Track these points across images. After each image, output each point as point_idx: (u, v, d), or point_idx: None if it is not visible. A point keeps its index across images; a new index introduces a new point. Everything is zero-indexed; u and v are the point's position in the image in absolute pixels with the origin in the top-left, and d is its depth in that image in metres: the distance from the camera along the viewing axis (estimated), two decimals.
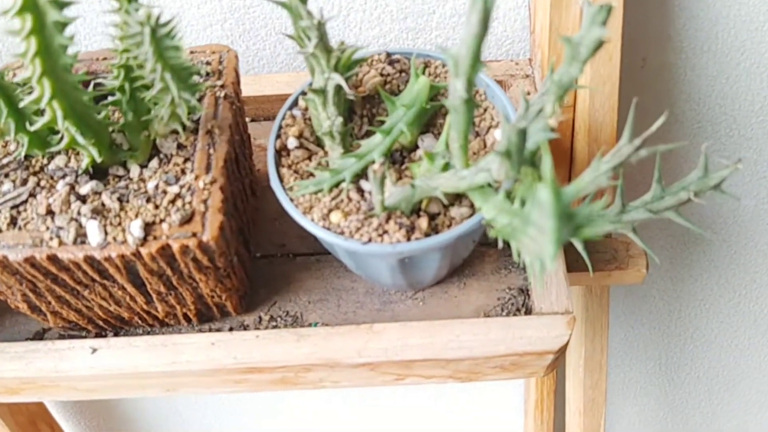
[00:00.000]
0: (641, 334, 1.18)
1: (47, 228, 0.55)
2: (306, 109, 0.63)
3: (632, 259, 0.74)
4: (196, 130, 0.60)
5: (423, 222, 0.55)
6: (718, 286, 1.09)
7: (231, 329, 0.69)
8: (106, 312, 0.64)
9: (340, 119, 0.56)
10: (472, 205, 0.57)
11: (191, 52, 0.65)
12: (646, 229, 1.00)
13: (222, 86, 0.62)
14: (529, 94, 0.77)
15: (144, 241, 0.54)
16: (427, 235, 0.55)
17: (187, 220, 0.55)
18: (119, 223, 0.55)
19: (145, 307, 0.63)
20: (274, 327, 0.68)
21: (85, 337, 0.69)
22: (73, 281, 0.58)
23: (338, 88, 0.55)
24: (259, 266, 0.72)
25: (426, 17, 0.79)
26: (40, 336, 0.70)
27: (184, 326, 0.69)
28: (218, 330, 0.69)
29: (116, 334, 0.69)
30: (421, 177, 0.54)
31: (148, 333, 0.69)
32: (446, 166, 0.54)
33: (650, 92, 0.85)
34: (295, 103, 0.63)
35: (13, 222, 0.55)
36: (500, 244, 0.52)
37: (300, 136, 0.61)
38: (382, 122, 0.61)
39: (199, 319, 0.67)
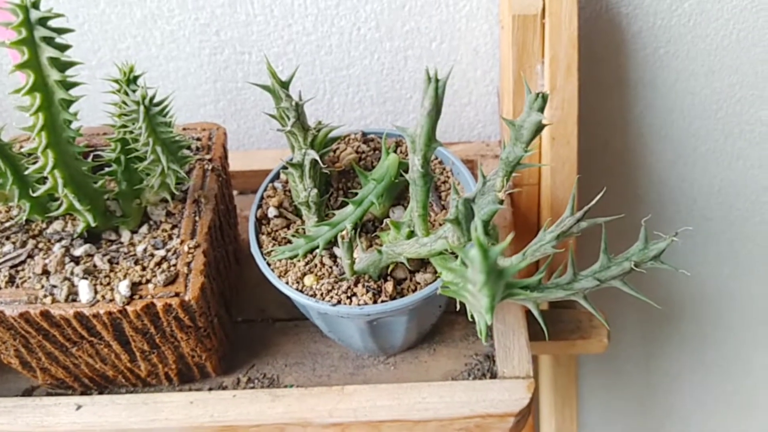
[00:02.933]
0: (617, 408, 1.20)
1: (42, 286, 0.59)
2: (286, 181, 0.68)
3: (595, 329, 0.78)
4: (184, 199, 0.65)
5: (389, 286, 0.59)
6: (690, 362, 1.12)
7: (210, 389, 0.72)
8: (92, 370, 0.68)
9: (315, 191, 0.61)
10: (435, 271, 0.62)
11: (184, 129, 0.71)
12: (618, 305, 1.04)
13: (210, 160, 0.68)
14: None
15: (130, 299, 0.58)
16: (392, 298, 0.59)
17: (171, 281, 0.59)
18: (108, 283, 0.59)
19: (129, 365, 0.66)
20: (252, 388, 0.72)
21: (71, 394, 0.72)
22: (63, 338, 0.61)
23: (314, 163, 0.61)
24: (240, 330, 0.76)
25: (403, 101, 0.86)
26: (28, 393, 0.73)
27: (166, 386, 0.72)
28: (198, 390, 0.72)
29: (101, 393, 0.72)
30: (387, 244, 0.59)
31: (131, 392, 0.72)
32: (411, 234, 0.59)
33: (613, 174, 0.91)
34: (277, 176, 0.69)
35: (11, 280, 0.60)
36: (458, 307, 0.57)
37: (280, 206, 0.66)
38: (356, 194, 0.66)
39: (180, 378, 0.71)
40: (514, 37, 0.70)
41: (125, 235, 0.64)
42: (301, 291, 0.60)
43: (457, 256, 0.57)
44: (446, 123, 0.88)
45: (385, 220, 0.66)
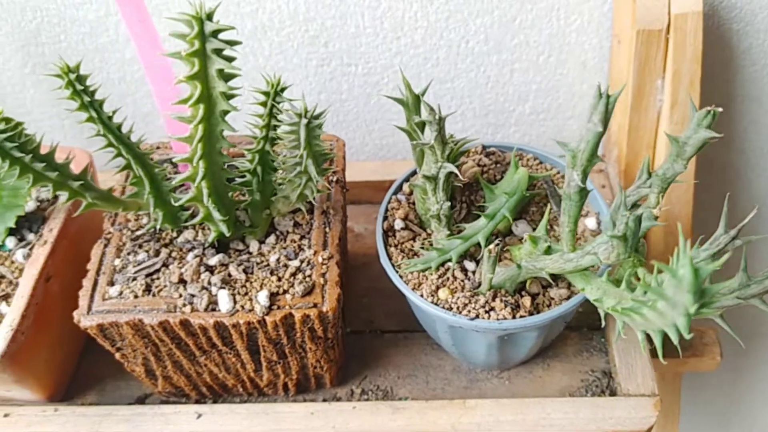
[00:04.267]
0: (717, 425, 1.19)
1: (180, 295, 0.59)
2: (410, 193, 0.69)
3: (707, 347, 0.77)
4: (311, 211, 0.66)
5: (527, 301, 0.59)
6: None
7: (324, 400, 0.72)
8: (214, 378, 0.68)
9: (448, 204, 0.61)
10: (569, 286, 0.61)
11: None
12: (707, 321, 1.03)
13: (334, 172, 0.68)
14: (603, 186, 0.82)
15: (269, 309, 0.58)
16: (530, 313, 0.59)
17: (308, 291, 0.59)
18: (246, 293, 0.59)
19: (252, 374, 0.67)
20: (366, 400, 0.72)
21: (184, 402, 0.72)
22: (195, 347, 0.62)
23: (447, 176, 0.61)
24: (349, 341, 0.76)
25: (506, 114, 0.86)
26: (141, 401, 0.74)
27: (281, 396, 0.72)
28: (312, 401, 0.72)
29: (215, 402, 0.72)
30: (525, 259, 0.58)
31: (246, 401, 0.72)
32: (548, 249, 0.58)
33: (712, 190, 0.90)
34: (399, 189, 0.69)
35: (147, 289, 0.60)
36: (603, 322, 0.57)
37: (405, 218, 0.66)
38: (481, 207, 0.66)
39: (297, 389, 0.71)
40: (636, 52, 0.70)
41: (253, 245, 0.64)
42: (437, 304, 0.60)
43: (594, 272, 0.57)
44: (548, 136, 0.88)
45: (511, 235, 0.66)
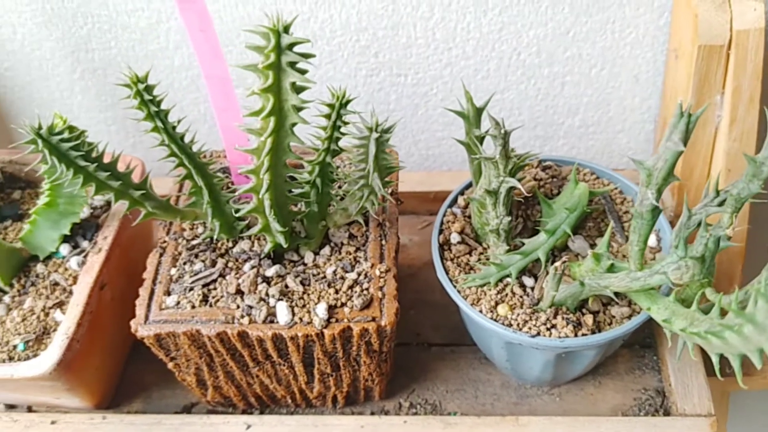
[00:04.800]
0: None
1: (238, 306, 0.59)
2: (465, 207, 0.68)
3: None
4: (365, 222, 0.65)
5: (589, 319, 0.58)
6: None
7: (373, 413, 0.71)
8: (264, 389, 0.68)
9: (508, 218, 0.60)
10: (629, 304, 0.60)
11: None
12: None
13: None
14: None
15: (328, 322, 0.58)
16: (592, 331, 0.58)
17: (366, 305, 0.59)
18: (304, 305, 0.59)
19: (303, 386, 0.66)
20: (414, 414, 0.71)
21: (231, 413, 0.72)
22: (249, 358, 0.61)
23: (508, 190, 0.60)
24: (396, 354, 0.76)
25: (555, 127, 0.85)
26: (187, 410, 0.73)
27: (328, 408, 0.72)
28: (360, 413, 0.71)
29: (261, 413, 0.72)
30: (587, 276, 0.57)
31: (292, 413, 0.72)
32: (611, 267, 0.57)
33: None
34: (453, 202, 0.68)
35: (204, 299, 0.60)
36: (669, 344, 0.56)
37: (462, 232, 0.65)
38: (537, 222, 0.66)
39: (345, 401, 0.70)
40: (697, 67, 0.69)
41: (308, 256, 0.64)
42: (496, 320, 0.59)
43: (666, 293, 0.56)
44: (596, 150, 0.87)
45: (566, 251, 0.65)
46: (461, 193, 0.69)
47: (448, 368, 0.75)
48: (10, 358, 0.61)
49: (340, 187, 0.64)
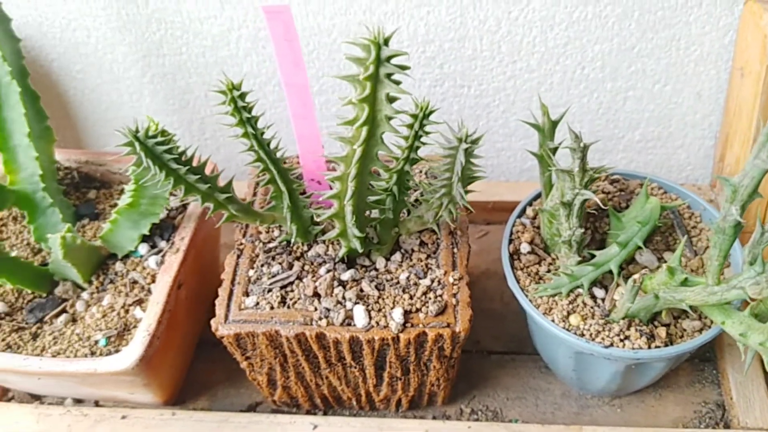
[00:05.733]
0: None
1: (315, 309, 0.61)
2: (534, 217, 0.69)
3: None
4: (435, 231, 0.67)
5: (662, 331, 0.59)
6: None
7: (435, 417, 0.73)
8: (332, 391, 0.69)
9: (581, 230, 0.61)
10: (700, 318, 0.61)
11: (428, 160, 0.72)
12: None
13: None
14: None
15: (403, 327, 0.59)
16: (665, 344, 0.59)
17: (441, 311, 0.60)
18: (380, 309, 0.60)
19: (371, 389, 0.68)
20: (476, 420, 0.72)
21: (295, 413, 0.73)
22: (323, 359, 0.63)
23: (581, 203, 0.61)
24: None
25: (614, 141, 0.86)
26: (252, 408, 0.75)
27: (391, 411, 0.73)
28: (422, 417, 0.73)
29: (325, 413, 0.73)
30: (662, 289, 0.58)
31: (355, 414, 0.73)
32: (685, 281, 0.58)
33: None
34: (522, 212, 0.69)
35: (282, 301, 0.62)
36: (743, 357, 0.56)
37: (531, 242, 0.66)
38: (604, 234, 0.67)
39: (409, 406, 0.71)
40: (764, 86, 0.69)
41: (380, 262, 0.65)
42: (568, 330, 0.60)
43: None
44: (655, 164, 0.88)
45: (632, 264, 0.66)
46: (529, 203, 0.70)
47: (509, 376, 0.76)
48: (92, 353, 0.63)
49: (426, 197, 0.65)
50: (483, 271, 0.85)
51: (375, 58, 0.48)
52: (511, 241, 0.67)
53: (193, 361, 0.78)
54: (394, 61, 0.49)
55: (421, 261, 0.65)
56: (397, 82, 0.50)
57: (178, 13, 0.80)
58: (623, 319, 0.60)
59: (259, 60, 0.83)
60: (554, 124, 0.63)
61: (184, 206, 0.72)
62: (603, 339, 0.59)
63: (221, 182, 0.61)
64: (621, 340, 0.59)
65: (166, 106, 0.89)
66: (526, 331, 0.73)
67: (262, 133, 0.58)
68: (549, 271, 0.65)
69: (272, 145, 0.59)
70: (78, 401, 0.76)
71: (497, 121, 0.86)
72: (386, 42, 0.48)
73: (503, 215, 0.86)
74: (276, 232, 0.67)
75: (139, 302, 0.66)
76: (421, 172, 0.72)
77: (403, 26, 0.79)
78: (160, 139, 0.55)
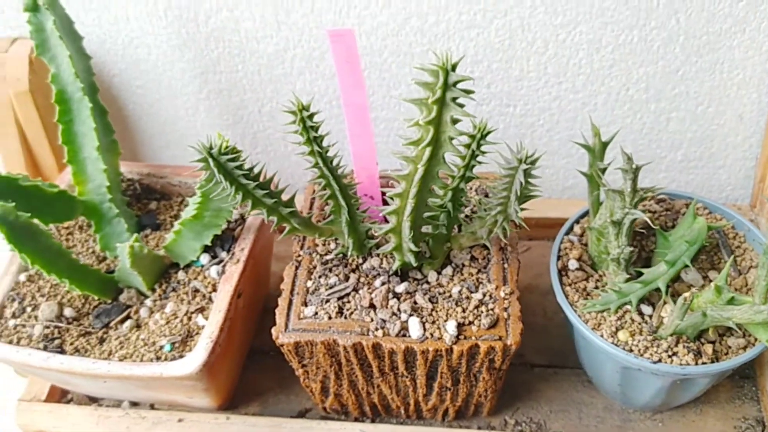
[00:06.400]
0: None
1: (371, 319, 0.63)
2: (581, 234, 0.71)
3: None
4: (485, 246, 0.69)
5: (708, 348, 0.61)
6: None
7: (479, 428, 0.75)
8: (382, 399, 0.71)
9: (630, 248, 0.63)
10: (744, 335, 0.63)
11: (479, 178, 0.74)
12: None
13: None
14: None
15: (457, 339, 0.62)
16: (711, 360, 0.60)
17: (493, 324, 0.62)
18: (434, 321, 0.63)
19: (420, 398, 0.70)
20: (520, 431, 0.74)
21: (343, 420, 0.76)
22: (377, 369, 0.65)
23: (631, 222, 0.63)
24: None
25: (657, 161, 0.88)
26: (302, 414, 0.78)
27: (437, 421, 0.75)
28: (467, 428, 0.75)
29: (372, 421, 0.76)
30: (708, 307, 0.60)
31: (402, 423, 0.75)
32: (732, 300, 0.60)
33: None
34: (570, 230, 0.72)
35: (340, 311, 0.64)
36: None
37: (579, 259, 0.69)
38: (650, 252, 0.69)
39: (455, 416, 0.74)
40: None
41: (431, 275, 0.68)
42: (617, 345, 0.62)
43: None
44: (696, 184, 0.89)
45: (677, 282, 0.68)
46: (577, 221, 0.72)
47: (552, 389, 0.78)
48: (157, 358, 0.66)
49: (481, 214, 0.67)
50: (525, 286, 0.87)
51: (443, 84, 0.51)
52: (559, 257, 0.69)
53: (244, 367, 0.81)
54: (460, 85, 0.52)
55: (472, 275, 0.67)
56: (461, 105, 0.53)
57: (236, 32, 0.83)
58: (671, 335, 0.61)
59: (311, 78, 0.86)
60: (605, 145, 0.65)
61: (243, 218, 0.75)
62: (651, 355, 0.61)
63: (285, 196, 0.64)
64: (669, 356, 0.61)
65: (220, 121, 0.92)
66: (569, 344, 0.75)
67: (327, 151, 0.60)
68: (596, 287, 0.67)
69: (334, 162, 0.62)
70: (134, 404, 0.79)
71: (541, 139, 0.89)
72: (453, 68, 0.51)
73: (545, 231, 0.89)
74: (332, 245, 0.70)
75: (201, 310, 0.69)
76: (471, 188, 0.74)
77: (453, 47, 0.82)
78: (231, 156, 0.58)
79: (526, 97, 0.85)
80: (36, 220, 0.65)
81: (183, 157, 0.98)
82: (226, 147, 0.58)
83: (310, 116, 0.58)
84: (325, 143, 0.60)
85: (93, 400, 0.80)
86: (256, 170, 0.61)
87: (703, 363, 0.60)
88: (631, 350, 0.62)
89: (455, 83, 0.51)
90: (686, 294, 0.57)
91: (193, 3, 0.81)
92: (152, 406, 0.79)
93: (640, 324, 0.64)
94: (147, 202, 0.80)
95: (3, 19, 0.86)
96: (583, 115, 0.85)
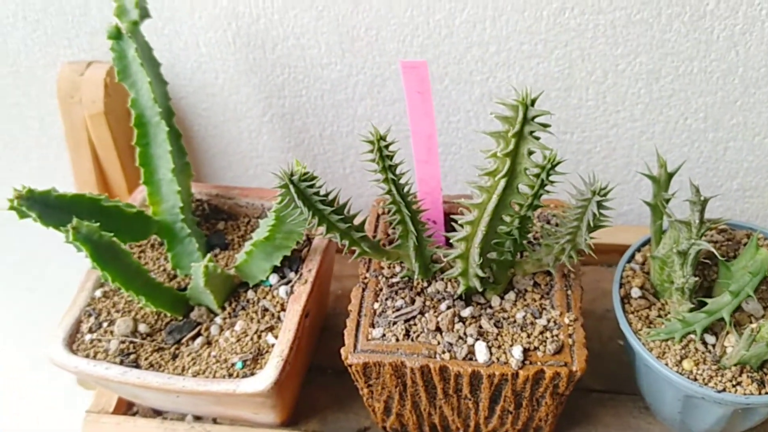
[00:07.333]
0: None
1: (438, 342, 0.65)
2: (643, 263, 0.72)
3: None
4: (548, 272, 0.70)
5: None
6: None
7: None
8: (442, 421, 0.73)
9: (695, 279, 0.64)
10: None
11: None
12: None
13: None
14: None
15: (523, 364, 0.63)
16: None
17: (558, 350, 0.64)
18: (500, 346, 0.64)
19: (480, 421, 0.71)
20: None
21: None
22: (441, 390, 0.67)
23: (696, 252, 0.64)
24: None
25: (713, 189, 0.89)
26: None
27: None
28: None
29: None
30: None
31: None
32: None
33: None
34: (631, 258, 0.73)
35: (407, 334, 0.66)
36: None
37: (642, 287, 0.70)
38: (712, 282, 0.70)
39: None
40: None
41: (495, 300, 0.69)
42: (681, 374, 0.63)
43: None
44: (751, 213, 0.90)
45: (736, 312, 0.68)
46: (638, 249, 0.73)
47: (609, 415, 0.78)
48: (229, 375, 0.68)
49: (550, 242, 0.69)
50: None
51: (522, 118, 0.53)
52: (621, 285, 0.71)
53: (303, 385, 0.83)
54: (537, 119, 0.54)
55: (536, 301, 0.68)
56: (537, 138, 0.55)
57: (301, 59, 0.86)
58: (735, 365, 0.62)
59: (373, 104, 0.89)
60: (670, 176, 0.66)
61: (309, 240, 0.78)
62: (716, 384, 0.62)
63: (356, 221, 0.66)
64: (733, 386, 0.61)
65: (282, 144, 0.95)
66: (625, 370, 0.76)
67: (400, 178, 0.63)
68: (659, 315, 0.68)
69: (404, 189, 0.64)
70: (197, 418, 0.82)
71: (597, 166, 0.90)
72: (533, 102, 0.53)
73: (600, 257, 0.89)
74: (397, 268, 0.72)
75: (270, 329, 0.71)
76: (559, 218, 0.76)
77: (512, 75, 0.83)
78: (309, 182, 0.60)
79: (583, 125, 0.86)
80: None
81: (244, 177, 1.01)
82: (305, 173, 0.61)
83: (387, 146, 0.60)
84: (398, 171, 0.63)
85: (158, 413, 0.83)
86: (330, 196, 0.63)
87: (767, 393, 0.61)
88: (695, 379, 0.62)
89: (533, 117, 0.53)
90: (753, 325, 0.58)
91: (261, 31, 0.84)
92: (215, 420, 0.81)
93: (703, 353, 0.64)
94: (215, 222, 0.83)
95: (78, 43, 0.90)
96: (640, 143, 0.86)
